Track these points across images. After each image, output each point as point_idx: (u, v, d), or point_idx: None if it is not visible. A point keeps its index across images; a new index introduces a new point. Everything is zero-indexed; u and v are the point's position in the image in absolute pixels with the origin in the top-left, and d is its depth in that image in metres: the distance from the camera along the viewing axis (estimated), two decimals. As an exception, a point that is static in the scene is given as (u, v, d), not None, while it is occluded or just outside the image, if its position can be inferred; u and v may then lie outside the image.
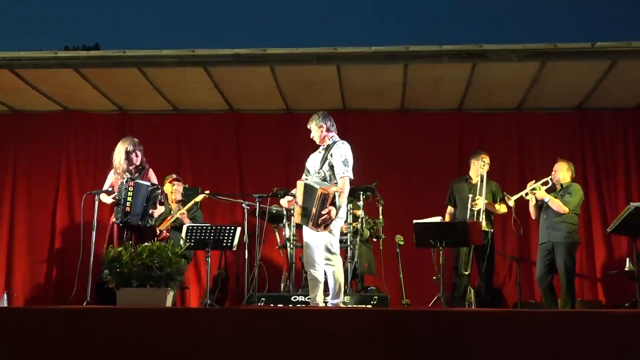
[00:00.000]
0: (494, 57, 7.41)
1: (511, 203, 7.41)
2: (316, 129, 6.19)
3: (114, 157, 6.93)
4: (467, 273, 7.47)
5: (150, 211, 6.79)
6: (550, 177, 7.52)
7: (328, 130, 6.16)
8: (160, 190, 6.94)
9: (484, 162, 7.66)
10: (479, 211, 7.41)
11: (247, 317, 4.50)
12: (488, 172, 7.63)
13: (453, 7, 71.60)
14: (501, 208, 7.68)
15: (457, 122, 9.17)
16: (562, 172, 7.53)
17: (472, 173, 7.82)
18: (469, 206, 7.48)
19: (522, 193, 7.46)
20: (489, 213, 7.62)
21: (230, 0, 74.08)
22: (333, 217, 5.76)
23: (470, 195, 7.51)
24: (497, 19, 72.23)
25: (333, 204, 5.74)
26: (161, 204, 7.02)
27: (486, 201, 7.50)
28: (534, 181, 7.51)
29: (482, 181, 7.53)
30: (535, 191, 7.40)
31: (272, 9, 74.23)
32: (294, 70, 7.96)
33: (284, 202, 6.39)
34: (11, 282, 8.88)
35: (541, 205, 7.49)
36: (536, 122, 9.09)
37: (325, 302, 6.14)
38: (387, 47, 7.51)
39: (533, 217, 7.64)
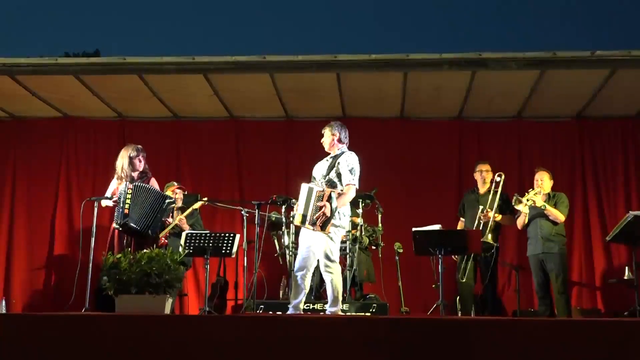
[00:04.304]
0: (494, 65, 7.42)
1: (523, 207, 7.39)
2: (329, 135, 6.22)
3: (117, 163, 6.94)
4: (463, 281, 7.47)
5: (164, 219, 6.82)
6: (539, 189, 7.52)
7: (340, 140, 6.20)
8: (172, 201, 6.97)
9: (481, 171, 7.79)
10: (486, 223, 7.42)
11: (245, 324, 4.50)
12: (497, 183, 7.58)
13: (453, 16, 71.80)
14: (509, 221, 7.69)
15: (456, 130, 9.17)
16: (546, 180, 7.57)
17: (478, 184, 7.88)
18: (478, 217, 7.49)
19: (526, 201, 7.42)
20: (498, 226, 7.61)
21: (231, 8, 74.27)
22: (328, 215, 5.77)
23: (481, 207, 7.52)
24: (496, 28, 72.44)
25: (328, 201, 5.77)
26: (171, 215, 7.05)
27: (497, 215, 7.49)
28: (533, 192, 7.47)
29: (494, 194, 7.53)
30: (536, 198, 7.39)
31: (272, 17, 74.40)
32: (293, 78, 7.97)
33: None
34: (10, 288, 8.87)
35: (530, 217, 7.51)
36: (536, 131, 9.09)
37: (324, 310, 6.15)
38: (387, 55, 7.52)
39: (520, 227, 7.65)
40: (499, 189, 7.55)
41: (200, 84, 8.12)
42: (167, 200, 6.83)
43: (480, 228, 7.38)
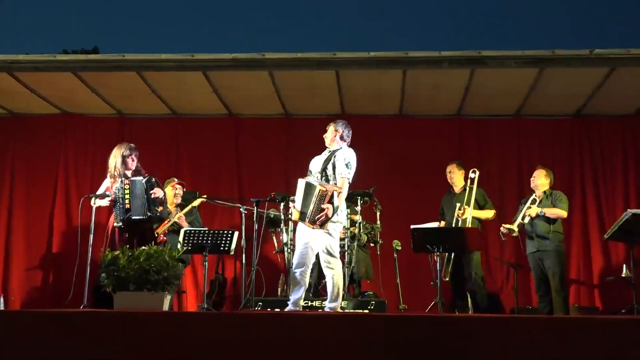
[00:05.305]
0: (493, 63, 7.42)
1: (516, 233, 7.47)
2: (332, 131, 6.26)
3: (110, 162, 6.97)
4: (446, 280, 7.49)
5: (153, 195, 6.81)
6: (534, 196, 7.59)
7: (342, 138, 6.23)
8: (154, 180, 6.96)
9: (448, 173, 7.91)
10: (465, 220, 7.50)
11: (244, 321, 4.51)
12: (472, 179, 7.68)
13: (452, 14, 71.77)
14: (489, 214, 7.77)
15: (455, 127, 9.18)
16: (541, 178, 7.64)
17: (452, 185, 7.97)
18: (455, 215, 7.54)
19: (520, 220, 7.50)
20: (476, 222, 7.67)
21: (230, 5, 74.24)
22: (330, 216, 5.80)
23: (458, 204, 7.59)
24: (496, 26, 72.38)
25: (331, 202, 5.79)
26: (159, 185, 7.01)
27: (474, 211, 7.57)
28: (526, 206, 7.54)
29: (470, 191, 7.63)
30: (530, 211, 7.44)
31: (271, 14, 74.38)
32: (293, 76, 7.96)
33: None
34: (8, 285, 8.87)
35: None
36: (534, 129, 9.10)
37: (323, 307, 6.16)
38: (386, 53, 7.51)
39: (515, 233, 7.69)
40: (474, 185, 7.65)
41: (199, 81, 8.11)
42: (143, 181, 6.82)
43: (459, 225, 7.48)
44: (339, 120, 6.36)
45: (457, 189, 7.86)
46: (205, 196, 7.93)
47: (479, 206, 7.72)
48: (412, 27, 73.39)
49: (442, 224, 7.87)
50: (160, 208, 6.94)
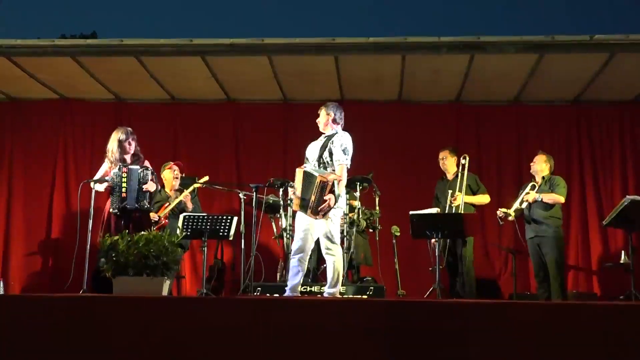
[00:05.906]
0: (492, 49, 7.41)
1: (512, 217, 7.50)
2: (324, 115, 6.21)
3: (108, 147, 6.99)
4: (441, 267, 7.48)
5: (144, 188, 6.80)
6: (533, 182, 7.61)
7: (335, 121, 6.17)
8: (150, 170, 6.96)
9: (440, 159, 7.92)
10: (457, 206, 7.52)
11: (243, 306, 4.51)
12: (463, 166, 7.71)
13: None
14: (483, 199, 7.80)
15: (454, 113, 9.17)
16: (540, 164, 7.65)
17: (445, 172, 7.98)
18: (448, 202, 7.56)
19: (518, 205, 7.53)
20: (471, 207, 7.70)
21: (229, -3, 73.80)
22: (332, 205, 5.78)
23: (450, 191, 7.62)
24: (495, 11, 72.17)
25: (332, 191, 5.77)
26: (152, 180, 7.00)
27: (466, 196, 7.59)
28: (524, 192, 7.56)
29: (462, 177, 7.64)
30: (528, 196, 7.47)
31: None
32: (291, 61, 7.95)
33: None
34: (8, 269, 8.88)
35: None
36: (533, 115, 9.09)
37: (322, 292, 6.17)
38: (385, 38, 7.49)
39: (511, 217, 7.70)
40: (465, 172, 7.66)
41: (198, 66, 8.10)
42: (138, 171, 6.83)
43: (453, 212, 7.49)
44: (330, 103, 6.30)
45: (450, 175, 7.87)
46: (207, 177, 7.92)
47: (472, 191, 7.73)
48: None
49: (436, 210, 7.88)
50: (145, 202, 6.88)
